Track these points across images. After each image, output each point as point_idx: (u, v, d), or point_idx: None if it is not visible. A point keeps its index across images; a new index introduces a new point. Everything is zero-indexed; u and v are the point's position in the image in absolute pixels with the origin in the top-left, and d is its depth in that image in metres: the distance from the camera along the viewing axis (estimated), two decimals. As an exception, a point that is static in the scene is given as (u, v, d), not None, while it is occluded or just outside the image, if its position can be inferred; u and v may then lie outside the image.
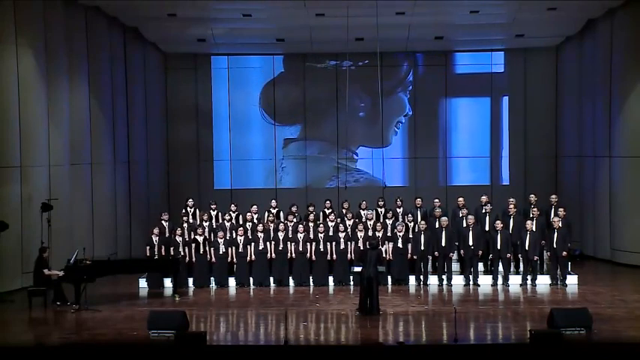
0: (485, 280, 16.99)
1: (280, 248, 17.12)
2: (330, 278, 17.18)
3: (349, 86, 19.73)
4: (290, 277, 17.18)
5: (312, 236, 17.24)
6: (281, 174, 22.79)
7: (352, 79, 20.45)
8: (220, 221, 17.98)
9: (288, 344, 12.11)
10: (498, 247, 16.84)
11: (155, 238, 17.05)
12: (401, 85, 22.60)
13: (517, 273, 17.21)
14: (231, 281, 17.16)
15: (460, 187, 21.75)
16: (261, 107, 22.68)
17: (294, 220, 17.67)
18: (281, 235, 17.20)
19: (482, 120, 22.67)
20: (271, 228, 17.45)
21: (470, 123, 22.66)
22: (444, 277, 17.02)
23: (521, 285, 16.85)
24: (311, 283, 17.13)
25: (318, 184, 22.58)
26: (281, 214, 18.45)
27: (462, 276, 17.17)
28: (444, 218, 17.34)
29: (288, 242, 17.16)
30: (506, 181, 22.63)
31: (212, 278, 17.15)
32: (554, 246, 16.73)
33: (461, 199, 18.26)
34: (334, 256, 17.17)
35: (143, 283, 16.97)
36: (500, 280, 16.98)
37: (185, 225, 17.53)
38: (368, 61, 21.83)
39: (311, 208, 18.40)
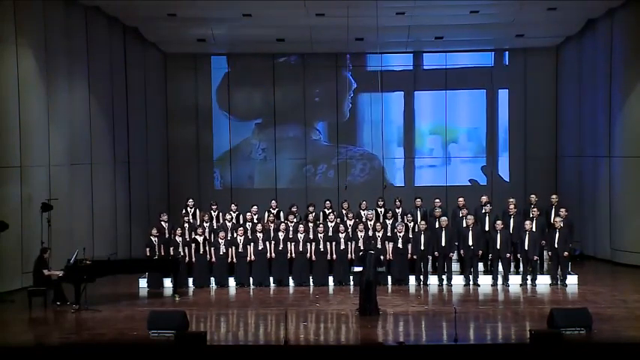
0: (485, 280, 16.98)
1: (280, 248, 17.12)
2: (330, 278, 17.17)
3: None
4: (290, 277, 17.17)
5: (312, 236, 17.24)
6: (263, 154, 22.77)
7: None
8: (221, 221, 17.98)
9: (288, 344, 12.11)
10: (498, 247, 16.85)
11: (154, 239, 17.05)
12: (345, 67, 22.59)
13: (517, 273, 17.20)
14: (231, 281, 17.16)
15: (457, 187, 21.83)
16: (219, 107, 22.74)
17: (294, 220, 17.67)
18: (281, 235, 17.19)
19: (480, 119, 22.73)
20: (271, 228, 17.45)
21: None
22: (444, 277, 17.01)
23: (521, 285, 16.85)
24: (311, 283, 17.12)
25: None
26: (281, 214, 18.45)
27: (462, 276, 17.16)
28: (444, 218, 17.34)
29: (288, 242, 17.15)
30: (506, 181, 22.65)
31: (212, 278, 17.15)
32: (556, 246, 16.73)
33: (461, 199, 18.24)
34: (334, 256, 17.16)
35: (143, 283, 16.97)
36: (500, 280, 16.97)
37: (186, 225, 17.53)
38: (297, 57, 22.39)
39: (311, 208, 18.39)
